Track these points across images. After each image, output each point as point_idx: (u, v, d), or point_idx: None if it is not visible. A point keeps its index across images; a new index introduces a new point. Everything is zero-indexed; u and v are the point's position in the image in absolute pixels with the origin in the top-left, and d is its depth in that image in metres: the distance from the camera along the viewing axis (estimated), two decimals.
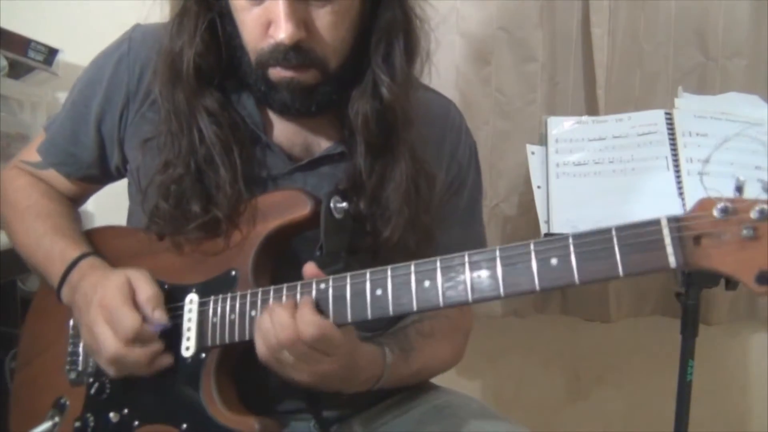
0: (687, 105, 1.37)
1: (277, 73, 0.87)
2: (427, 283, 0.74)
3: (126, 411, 0.91)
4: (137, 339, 0.84)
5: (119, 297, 0.85)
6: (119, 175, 1.05)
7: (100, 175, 1.05)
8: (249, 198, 0.90)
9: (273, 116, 0.95)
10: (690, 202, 1.24)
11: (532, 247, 0.70)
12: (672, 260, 0.64)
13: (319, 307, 0.79)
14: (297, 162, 0.95)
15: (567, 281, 0.68)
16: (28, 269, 1.05)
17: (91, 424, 0.93)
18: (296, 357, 0.78)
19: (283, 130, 0.96)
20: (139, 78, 0.97)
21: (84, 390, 0.95)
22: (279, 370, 0.81)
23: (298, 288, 0.81)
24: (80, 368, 0.97)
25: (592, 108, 1.69)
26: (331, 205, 0.86)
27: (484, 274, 0.72)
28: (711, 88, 1.66)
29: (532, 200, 1.34)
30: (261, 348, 0.80)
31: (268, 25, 0.84)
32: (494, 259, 0.72)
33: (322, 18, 0.85)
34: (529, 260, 0.70)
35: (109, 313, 0.85)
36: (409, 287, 0.75)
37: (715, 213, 0.63)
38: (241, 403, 0.87)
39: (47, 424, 0.95)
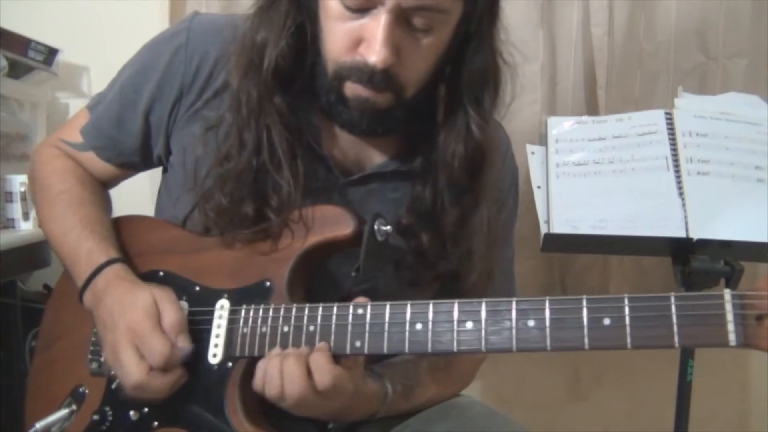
0: (687, 105, 1.36)
1: (354, 89, 0.84)
2: (469, 325, 0.72)
3: (146, 410, 0.88)
4: (165, 365, 0.83)
5: (149, 321, 0.83)
6: (159, 164, 1.03)
7: (139, 163, 1.03)
8: (297, 207, 0.88)
9: (330, 127, 0.93)
10: (690, 202, 1.24)
11: (584, 303, 0.68)
12: (732, 338, 0.61)
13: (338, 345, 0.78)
14: (347, 175, 0.94)
15: (619, 344, 0.65)
16: (28, 269, 1.05)
17: (110, 418, 0.90)
18: (297, 404, 0.78)
19: (338, 142, 0.94)
20: (195, 73, 0.93)
21: (104, 382, 0.93)
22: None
23: (334, 310, 0.79)
24: (102, 359, 0.93)
25: (592, 108, 1.69)
26: (375, 227, 0.84)
27: (531, 324, 0.69)
28: (711, 88, 1.66)
29: (532, 200, 1.34)
30: (258, 385, 0.79)
31: (359, 41, 0.82)
32: (543, 310, 0.69)
33: (416, 48, 0.83)
34: (581, 316, 0.67)
35: (140, 338, 0.83)
36: (451, 325, 0.72)
37: None
38: (264, 418, 0.84)
39: (64, 411, 0.93)
